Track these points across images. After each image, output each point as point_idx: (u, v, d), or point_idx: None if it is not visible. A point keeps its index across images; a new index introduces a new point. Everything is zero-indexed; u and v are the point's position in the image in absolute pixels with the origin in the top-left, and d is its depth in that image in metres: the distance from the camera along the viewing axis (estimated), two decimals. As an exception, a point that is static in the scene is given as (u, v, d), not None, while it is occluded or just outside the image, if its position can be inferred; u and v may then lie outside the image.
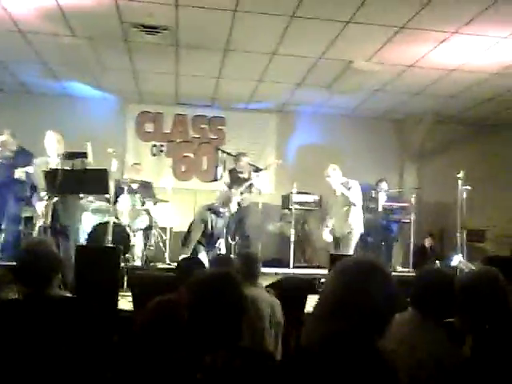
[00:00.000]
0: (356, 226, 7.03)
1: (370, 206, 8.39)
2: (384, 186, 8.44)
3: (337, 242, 7.07)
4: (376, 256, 8.01)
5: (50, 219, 5.82)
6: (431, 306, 2.38)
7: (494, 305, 2.33)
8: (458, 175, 7.36)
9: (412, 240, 8.08)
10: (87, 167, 6.06)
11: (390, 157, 10.24)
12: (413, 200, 8.19)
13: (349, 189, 6.96)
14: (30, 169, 6.47)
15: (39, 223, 5.91)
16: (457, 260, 7.51)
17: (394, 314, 1.68)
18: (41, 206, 5.88)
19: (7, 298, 3.13)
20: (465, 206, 7.40)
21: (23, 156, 6.80)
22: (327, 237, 7.19)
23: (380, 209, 8.14)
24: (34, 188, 6.53)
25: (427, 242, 9.26)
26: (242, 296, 2.09)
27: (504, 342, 2.26)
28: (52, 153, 6.17)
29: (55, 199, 5.93)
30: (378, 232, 8.28)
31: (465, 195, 7.38)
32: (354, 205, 6.98)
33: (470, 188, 7.37)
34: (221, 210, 7.22)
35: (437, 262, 7.82)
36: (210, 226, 7.17)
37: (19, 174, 6.56)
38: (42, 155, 6.31)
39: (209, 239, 7.24)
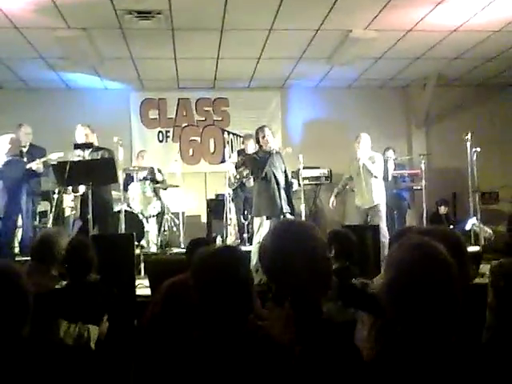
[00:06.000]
0: (381, 198, 7.03)
1: (380, 175, 8.34)
2: (391, 154, 8.36)
3: (365, 214, 7.05)
4: (389, 225, 8.01)
5: (79, 211, 5.92)
6: None
7: None
8: (466, 137, 7.30)
9: (425, 207, 8.03)
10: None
11: (397, 125, 10.16)
12: (423, 166, 8.12)
13: (373, 163, 6.97)
14: (58, 155, 6.34)
15: (71, 216, 5.99)
16: (471, 223, 7.49)
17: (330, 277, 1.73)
18: (69, 199, 5.94)
19: (54, 287, 3.30)
20: (475, 169, 7.35)
21: (37, 151, 6.81)
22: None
23: (390, 178, 8.09)
24: None
25: (442, 210, 9.20)
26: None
27: None
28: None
29: (82, 191, 6.01)
30: (390, 201, 8.24)
31: (474, 157, 7.32)
32: (376, 177, 6.98)
33: (479, 150, 7.30)
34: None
35: (451, 227, 7.78)
36: None
37: (37, 165, 6.43)
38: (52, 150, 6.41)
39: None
